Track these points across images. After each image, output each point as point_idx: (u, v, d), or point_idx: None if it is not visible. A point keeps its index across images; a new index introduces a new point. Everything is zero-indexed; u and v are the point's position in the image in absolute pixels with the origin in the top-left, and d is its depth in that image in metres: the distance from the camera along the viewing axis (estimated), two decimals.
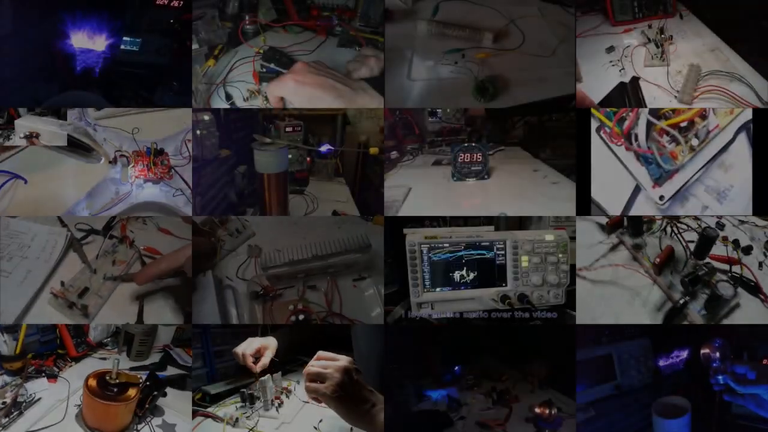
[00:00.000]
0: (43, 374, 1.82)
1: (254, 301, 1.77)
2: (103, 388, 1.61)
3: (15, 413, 1.64)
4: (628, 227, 1.94)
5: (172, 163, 1.94)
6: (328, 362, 1.40)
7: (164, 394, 1.76)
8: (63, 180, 1.93)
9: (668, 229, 1.92)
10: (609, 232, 1.93)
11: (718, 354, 1.78)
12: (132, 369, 1.92)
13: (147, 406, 1.68)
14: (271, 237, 2.01)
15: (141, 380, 1.69)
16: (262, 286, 1.78)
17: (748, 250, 1.88)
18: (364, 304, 1.81)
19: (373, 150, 2.08)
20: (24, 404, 1.67)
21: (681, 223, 1.92)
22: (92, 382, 1.62)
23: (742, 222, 1.99)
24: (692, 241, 1.86)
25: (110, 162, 1.95)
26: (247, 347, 1.72)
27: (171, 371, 1.98)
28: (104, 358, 1.97)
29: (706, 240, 1.78)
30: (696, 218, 1.93)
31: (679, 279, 1.76)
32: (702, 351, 1.82)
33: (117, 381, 1.64)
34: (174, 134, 1.98)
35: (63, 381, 1.81)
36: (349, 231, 1.93)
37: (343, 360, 1.41)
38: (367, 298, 1.82)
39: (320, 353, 1.45)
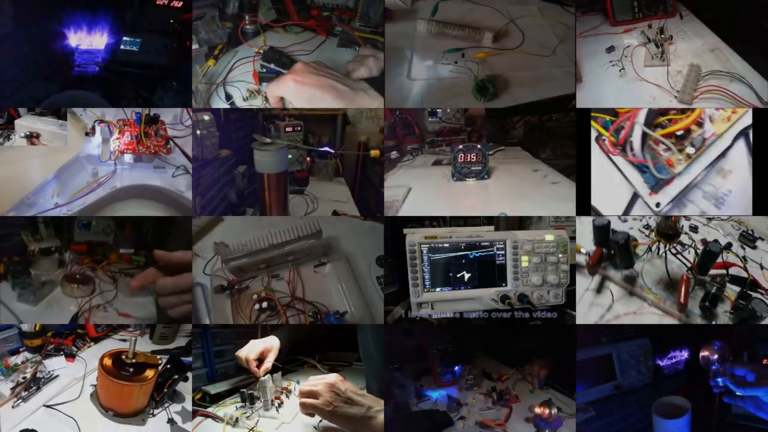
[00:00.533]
0: (62, 353, 1.84)
1: (220, 295, 1.77)
2: (118, 367, 1.59)
3: (33, 388, 1.68)
4: (616, 258, 1.77)
5: (170, 134, 1.67)
6: (316, 381, 1.49)
7: (185, 379, 1.74)
8: (29, 159, 1.72)
9: (659, 249, 1.79)
10: (592, 272, 1.80)
11: (716, 356, 1.78)
12: (153, 352, 1.88)
13: (166, 390, 1.65)
14: (237, 234, 1.97)
15: (160, 362, 1.66)
16: (227, 279, 1.80)
17: (728, 246, 1.87)
18: (326, 288, 1.84)
19: (374, 153, 2.08)
20: (42, 380, 1.71)
21: (677, 243, 1.78)
22: (107, 361, 1.59)
23: (710, 219, 1.97)
24: (678, 253, 1.78)
25: (87, 134, 1.70)
26: (250, 351, 1.72)
27: None
28: (124, 340, 1.95)
29: (710, 255, 1.70)
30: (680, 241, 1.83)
31: (697, 305, 1.67)
32: (701, 353, 1.82)
33: (134, 361, 1.61)
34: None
35: (81, 360, 1.83)
36: (304, 221, 1.96)
37: (330, 377, 1.51)
38: (327, 282, 1.86)
39: (310, 378, 1.56)
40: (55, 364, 1.80)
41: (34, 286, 1.84)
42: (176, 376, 1.68)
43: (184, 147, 1.67)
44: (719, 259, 1.72)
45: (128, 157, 1.65)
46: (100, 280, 1.88)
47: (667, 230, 1.74)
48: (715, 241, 1.79)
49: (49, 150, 1.72)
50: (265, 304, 1.75)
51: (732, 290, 1.71)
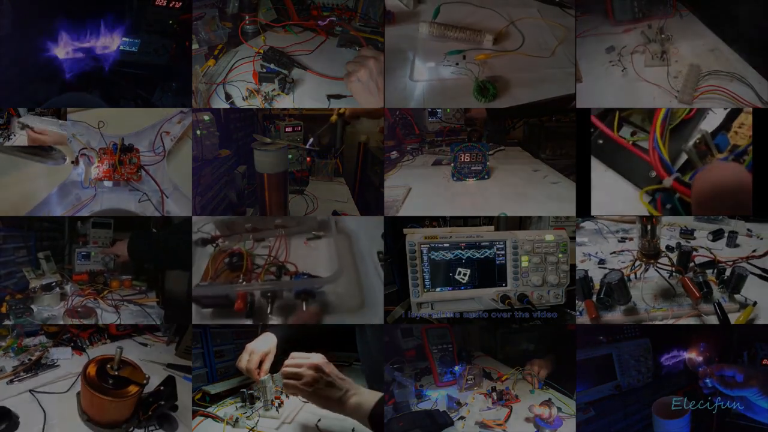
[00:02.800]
0: (72, 344, 1.85)
1: (201, 249, 1.76)
2: (100, 376, 1.54)
3: (32, 372, 1.73)
4: (609, 300, 1.79)
5: (143, 161, 1.80)
6: (301, 361, 1.51)
7: (175, 408, 1.66)
8: (30, 181, 1.85)
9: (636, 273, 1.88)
10: (597, 323, 1.83)
11: (701, 358, 1.79)
12: (170, 366, 1.83)
13: (150, 413, 1.58)
14: None
15: (146, 382, 1.60)
16: (210, 234, 1.79)
17: (678, 246, 1.97)
18: (313, 259, 1.81)
19: (333, 118, 2.05)
20: (43, 366, 1.75)
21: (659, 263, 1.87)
22: (92, 368, 1.55)
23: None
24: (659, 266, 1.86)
25: (72, 162, 1.85)
26: (250, 360, 1.67)
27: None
28: (145, 344, 1.93)
29: (686, 255, 1.89)
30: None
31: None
32: (687, 356, 1.83)
33: (116, 373, 1.55)
34: (150, 126, 1.88)
35: (87, 356, 1.83)
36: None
37: (314, 357, 1.52)
38: (318, 255, 1.83)
39: (293, 354, 1.55)
40: (62, 353, 1.82)
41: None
42: (162, 402, 1.60)
43: (156, 173, 1.82)
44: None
45: (107, 182, 1.80)
46: (103, 310, 1.89)
47: (650, 251, 1.84)
48: (679, 243, 2.02)
49: (46, 173, 1.85)
50: (235, 259, 1.70)
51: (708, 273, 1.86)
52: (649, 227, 1.82)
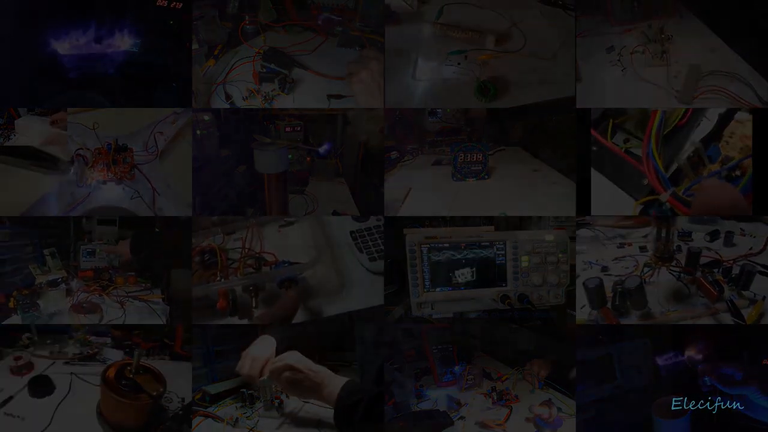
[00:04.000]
0: (127, 350, 1.93)
1: None
2: (117, 377, 1.59)
3: (84, 362, 1.90)
4: (625, 305, 1.82)
5: (137, 160, 1.87)
6: (278, 365, 1.63)
7: None
8: (28, 181, 1.90)
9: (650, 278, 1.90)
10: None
11: (701, 356, 1.80)
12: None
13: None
14: None
15: (157, 393, 1.62)
16: None
17: (679, 248, 1.97)
18: (290, 246, 1.82)
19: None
20: (96, 360, 1.91)
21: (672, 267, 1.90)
22: (113, 368, 1.61)
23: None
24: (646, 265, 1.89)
25: (68, 162, 1.89)
26: (251, 368, 1.67)
27: None
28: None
29: (695, 256, 1.89)
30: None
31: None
32: (687, 353, 1.83)
33: (131, 377, 1.60)
34: (144, 127, 1.92)
35: None
36: None
37: (288, 358, 1.64)
38: (292, 241, 1.84)
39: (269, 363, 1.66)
40: (114, 354, 1.92)
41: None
42: (166, 422, 1.64)
43: (149, 172, 1.89)
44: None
45: (100, 181, 1.89)
46: (108, 306, 1.92)
47: (665, 254, 1.88)
48: (680, 246, 2.00)
49: (43, 175, 1.90)
50: (207, 256, 1.71)
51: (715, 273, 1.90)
52: (663, 231, 1.85)
